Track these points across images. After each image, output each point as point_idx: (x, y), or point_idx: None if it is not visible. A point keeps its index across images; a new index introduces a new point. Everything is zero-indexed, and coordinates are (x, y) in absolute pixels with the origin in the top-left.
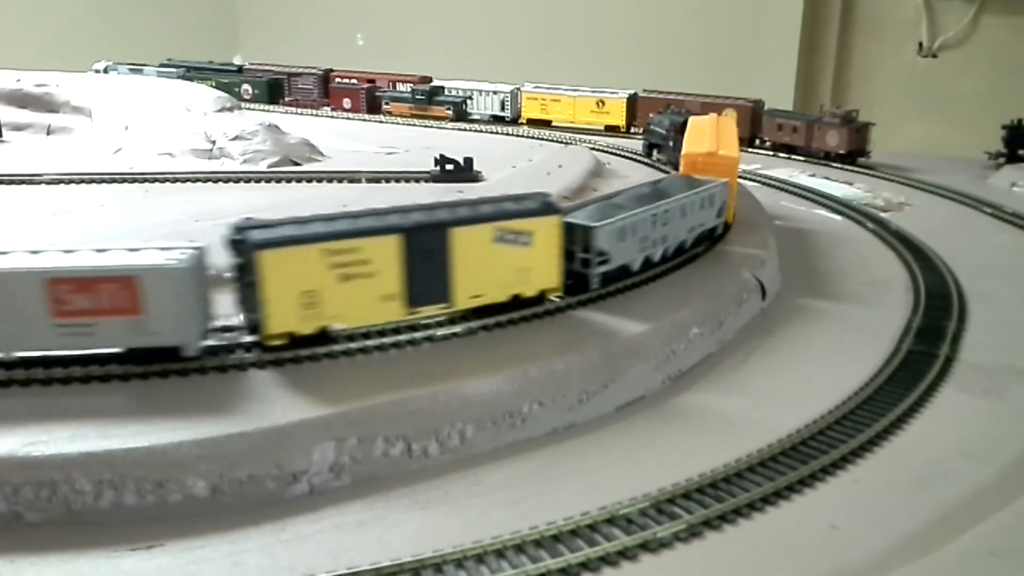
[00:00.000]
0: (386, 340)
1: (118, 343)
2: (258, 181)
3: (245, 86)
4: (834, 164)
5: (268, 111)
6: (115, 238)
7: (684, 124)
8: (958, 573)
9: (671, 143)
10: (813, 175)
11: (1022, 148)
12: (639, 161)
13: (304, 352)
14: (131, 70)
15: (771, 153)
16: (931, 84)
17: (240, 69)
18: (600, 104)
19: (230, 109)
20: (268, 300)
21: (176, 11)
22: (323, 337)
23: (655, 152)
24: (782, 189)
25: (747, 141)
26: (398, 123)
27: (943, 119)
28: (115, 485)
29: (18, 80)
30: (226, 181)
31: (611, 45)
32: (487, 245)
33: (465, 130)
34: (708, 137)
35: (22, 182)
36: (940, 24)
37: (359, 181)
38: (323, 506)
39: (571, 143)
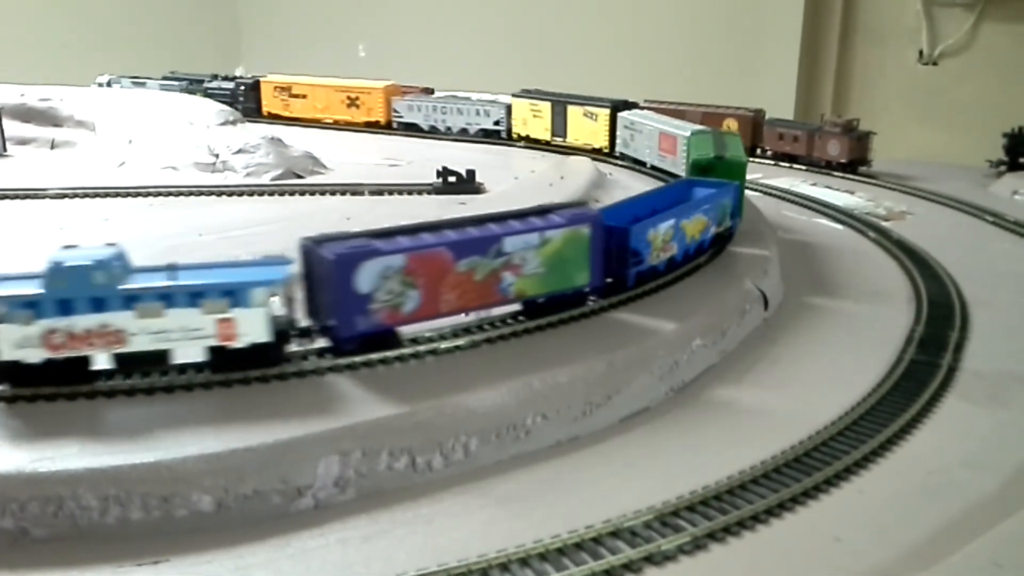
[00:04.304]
0: (389, 353)
1: None
2: (261, 194)
3: None
4: (835, 173)
5: (271, 123)
6: None
7: (256, 83)
8: None
9: (242, 97)
10: (814, 184)
11: (1023, 156)
12: (639, 172)
13: (308, 366)
14: (133, 83)
15: (772, 162)
16: (932, 92)
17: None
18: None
19: (233, 122)
20: None
21: (179, 24)
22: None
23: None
24: (783, 198)
25: (748, 151)
26: (399, 135)
27: (944, 127)
28: (121, 501)
29: (22, 94)
30: (229, 195)
31: (610, 55)
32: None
33: (467, 142)
34: None
35: (26, 196)
36: (940, 32)
37: (362, 193)
38: (328, 520)
39: (571, 154)
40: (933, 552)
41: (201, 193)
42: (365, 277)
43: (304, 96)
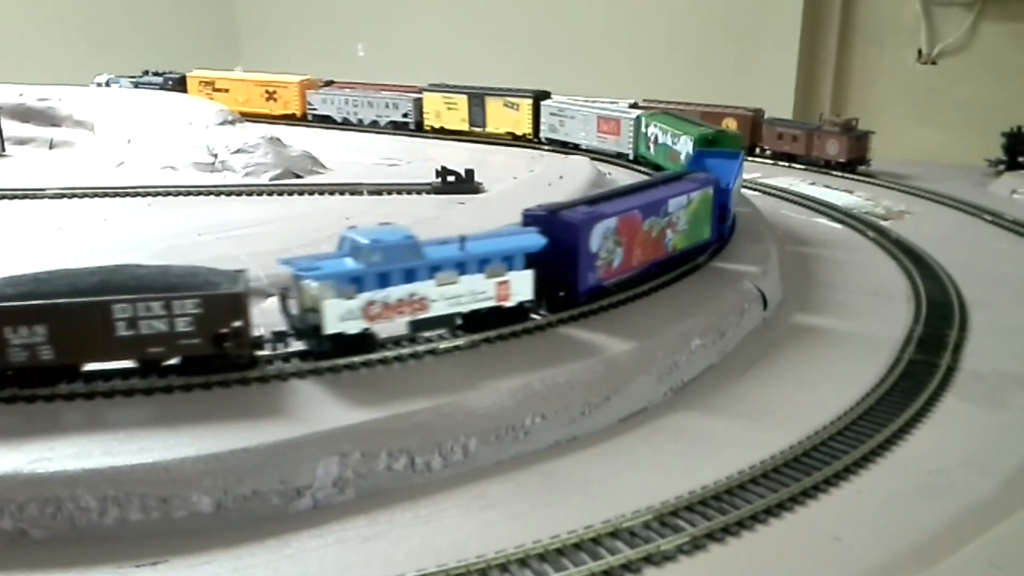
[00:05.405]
0: (388, 354)
1: None
2: (260, 194)
3: None
4: (834, 172)
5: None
6: (119, 252)
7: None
8: None
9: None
10: (813, 184)
11: (1022, 155)
12: (638, 171)
13: (307, 366)
14: (133, 83)
15: (771, 162)
16: (930, 91)
17: None
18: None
19: (232, 122)
20: None
21: (178, 23)
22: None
23: None
24: (782, 198)
25: (748, 150)
26: (398, 135)
27: (943, 126)
28: (120, 502)
29: (21, 94)
30: (228, 194)
31: (610, 55)
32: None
33: (466, 141)
34: None
35: (25, 196)
36: (939, 31)
37: (361, 193)
38: (327, 521)
39: (571, 154)
40: (932, 552)
41: (200, 193)
42: (595, 238)
43: (226, 90)
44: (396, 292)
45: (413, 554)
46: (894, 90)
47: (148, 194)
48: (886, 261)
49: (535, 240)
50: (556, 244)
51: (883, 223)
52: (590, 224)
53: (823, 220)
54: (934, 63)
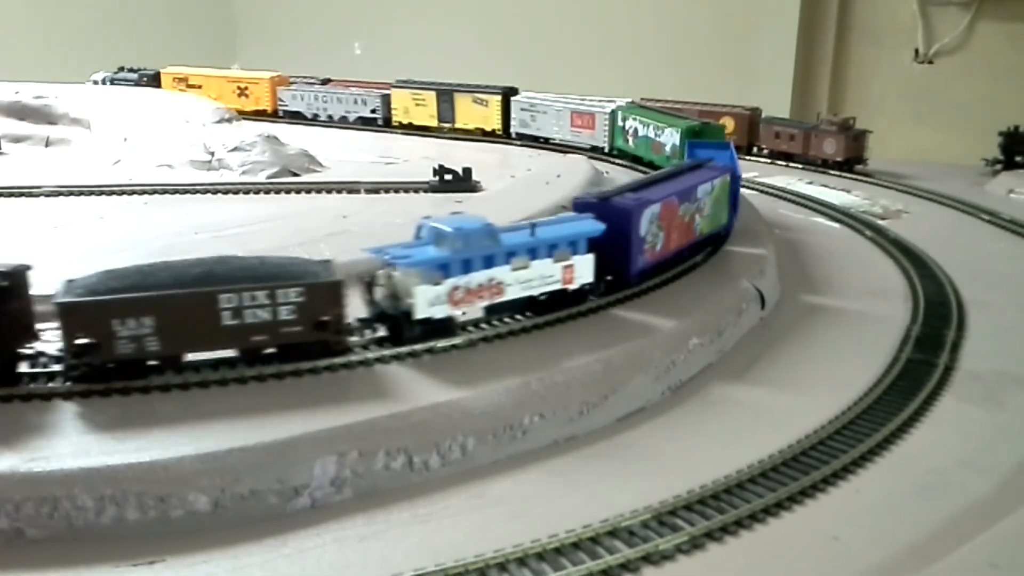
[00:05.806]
0: (386, 352)
1: None
2: (257, 192)
3: None
4: (832, 171)
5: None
6: (116, 251)
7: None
8: None
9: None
10: (811, 183)
11: (1018, 154)
12: (634, 169)
13: (305, 365)
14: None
15: (769, 161)
16: (928, 91)
17: None
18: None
19: (228, 120)
20: None
21: (175, 21)
22: None
23: None
24: (780, 197)
25: (745, 149)
26: (395, 133)
27: (940, 126)
28: (117, 501)
29: (17, 92)
30: (225, 193)
31: (607, 53)
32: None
33: (463, 139)
34: None
35: (21, 194)
36: (936, 30)
37: (358, 192)
38: (324, 520)
39: (568, 153)
40: (930, 552)
41: (196, 191)
42: (644, 223)
43: (200, 86)
44: (477, 277)
45: (411, 553)
46: (891, 90)
47: (145, 192)
48: (884, 260)
49: (597, 226)
50: (608, 229)
51: (881, 222)
52: (641, 209)
53: (821, 219)
54: (931, 63)
